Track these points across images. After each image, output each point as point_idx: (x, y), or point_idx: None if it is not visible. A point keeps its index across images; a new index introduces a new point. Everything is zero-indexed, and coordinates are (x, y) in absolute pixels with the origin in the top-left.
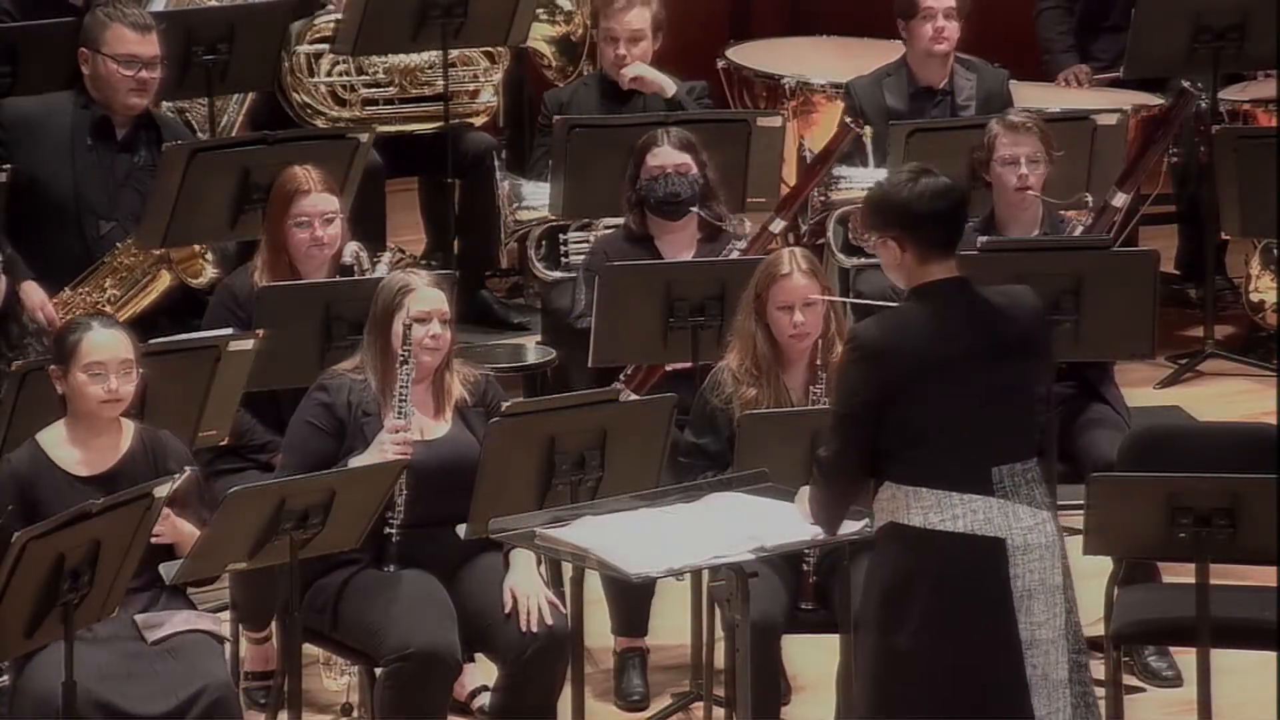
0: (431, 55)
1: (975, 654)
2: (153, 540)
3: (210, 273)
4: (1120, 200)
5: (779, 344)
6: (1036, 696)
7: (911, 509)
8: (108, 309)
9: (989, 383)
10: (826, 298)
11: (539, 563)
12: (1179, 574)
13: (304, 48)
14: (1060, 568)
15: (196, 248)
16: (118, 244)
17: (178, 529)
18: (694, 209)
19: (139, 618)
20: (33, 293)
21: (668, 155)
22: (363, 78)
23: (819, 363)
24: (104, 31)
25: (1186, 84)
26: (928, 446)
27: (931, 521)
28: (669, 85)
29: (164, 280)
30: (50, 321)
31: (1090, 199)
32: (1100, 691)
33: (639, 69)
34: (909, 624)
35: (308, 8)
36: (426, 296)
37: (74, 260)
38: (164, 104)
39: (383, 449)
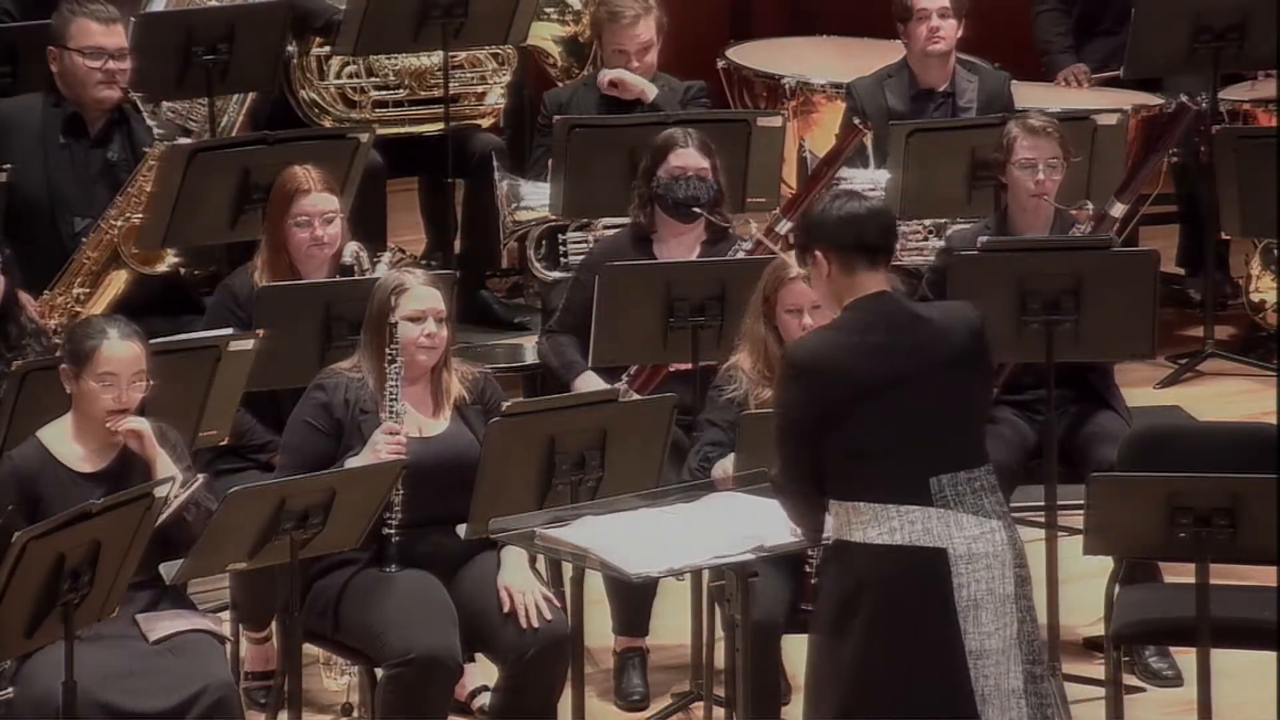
0: (441, 57)
1: (920, 666)
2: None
3: (170, 260)
4: (1119, 210)
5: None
6: (989, 707)
7: (853, 525)
8: (78, 309)
9: (923, 396)
10: None
11: (534, 561)
12: (1179, 574)
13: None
14: (1012, 576)
15: None
16: (83, 240)
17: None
18: (705, 213)
19: (140, 617)
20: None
21: (691, 158)
22: (373, 79)
23: None
24: (68, 26)
25: (1185, 97)
26: (863, 461)
27: (870, 536)
28: (650, 89)
29: (121, 276)
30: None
31: (1090, 206)
32: (1100, 691)
33: (618, 73)
34: (853, 636)
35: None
36: (420, 295)
37: (51, 258)
38: (164, 104)
39: (376, 449)
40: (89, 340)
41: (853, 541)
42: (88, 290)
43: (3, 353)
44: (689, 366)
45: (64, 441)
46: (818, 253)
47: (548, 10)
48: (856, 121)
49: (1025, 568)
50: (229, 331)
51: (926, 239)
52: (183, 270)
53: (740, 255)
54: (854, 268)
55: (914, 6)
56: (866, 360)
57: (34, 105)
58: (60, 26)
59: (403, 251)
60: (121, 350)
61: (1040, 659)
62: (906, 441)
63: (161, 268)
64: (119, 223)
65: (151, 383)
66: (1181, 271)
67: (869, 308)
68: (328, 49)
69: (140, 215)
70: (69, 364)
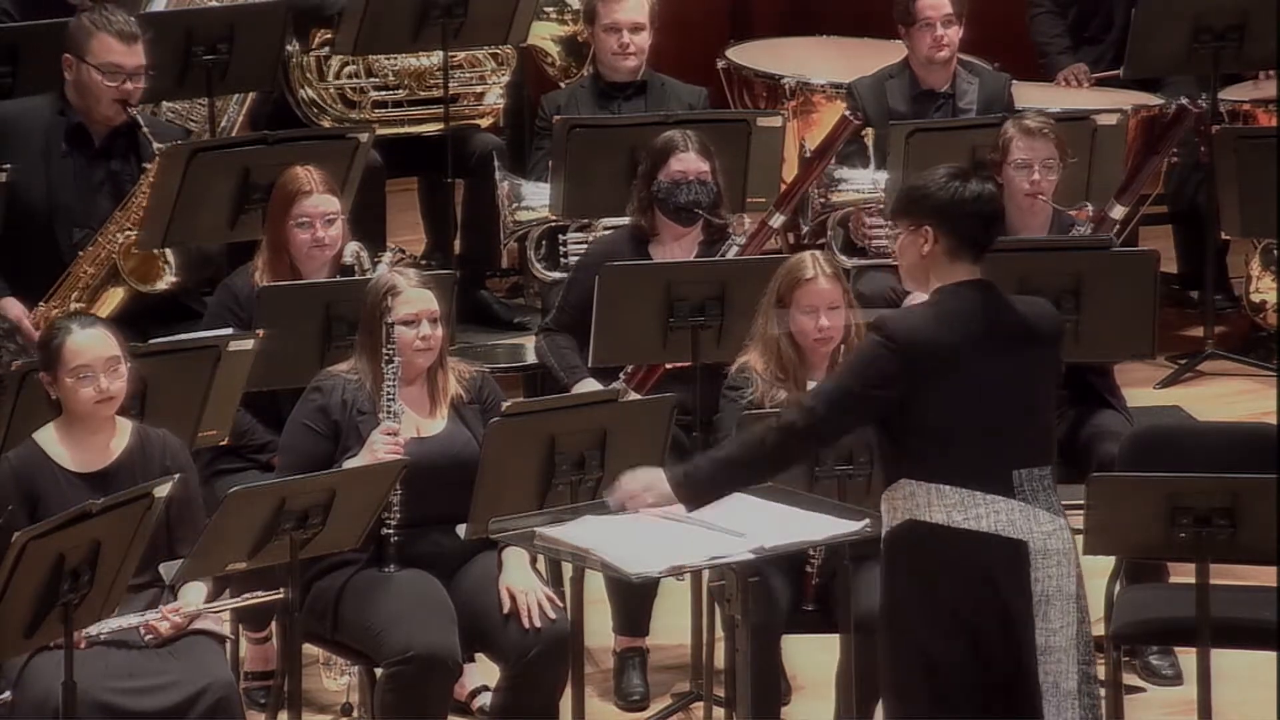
0: (441, 58)
1: (995, 656)
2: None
3: (169, 278)
4: (1119, 213)
5: (802, 347)
6: (1046, 705)
7: (934, 506)
8: None
9: (1012, 386)
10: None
11: (534, 561)
12: (1179, 574)
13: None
14: (1075, 575)
15: (154, 251)
16: (80, 252)
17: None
18: (706, 216)
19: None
20: (10, 307)
21: (691, 162)
22: (372, 80)
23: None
24: (89, 39)
25: (1186, 100)
26: (952, 444)
27: (955, 519)
28: None
29: (118, 294)
30: (28, 336)
31: (1090, 206)
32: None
33: None
34: (932, 622)
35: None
36: (412, 298)
37: (47, 267)
38: (164, 104)
39: (374, 450)
40: (54, 340)
41: (932, 522)
42: (84, 306)
43: None
44: (686, 364)
45: (58, 443)
46: (927, 227)
47: (546, 9)
48: (847, 113)
49: (1081, 567)
50: (229, 331)
51: None
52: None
53: (734, 250)
54: (959, 256)
55: (918, 14)
56: (963, 345)
57: (40, 110)
58: (80, 37)
59: (403, 251)
60: (87, 340)
61: (1091, 660)
62: (994, 430)
63: (161, 285)
64: (119, 238)
65: (131, 367)
66: (1175, 274)
67: (968, 295)
68: (327, 49)
69: (139, 231)
70: (44, 369)
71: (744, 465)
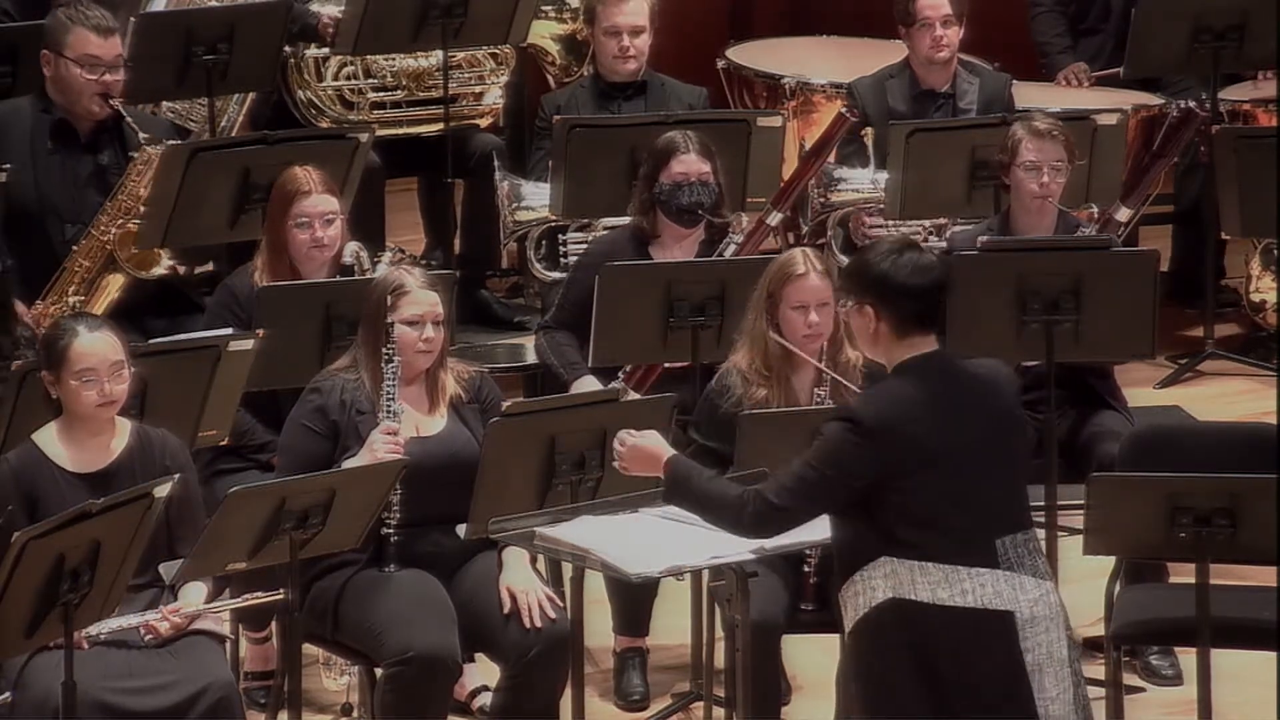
0: (439, 58)
1: None
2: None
3: (165, 263)
4: (1124, 215)
5: (790, 344)
6: None
7: (918, 584)
8: None
9: (985, 454)
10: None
11: (534, 561)
12: (1179, 574)
13: (310, 51)
14: (1065, 640)
15: None
16: (74, 248)
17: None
18: (708, 217)
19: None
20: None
21: (692, 163)
22: (370, 81)
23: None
24: (66, 34)
25: (1193, 103)
26: (932, 523)
27: (940, 597)
28: None
29: (117, 281)
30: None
31: (1096, 208)
32: (1100, 691)
33: None
34: (932, 701)
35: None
36: (419, 299)
37: (42, 265)
38: (164, 104)
39: (374, 449)
40: (60, 341)
41: (919, 601)
42: (83, 298)
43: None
44: (686, 364)
45: (57, 444)
46: (867, 306)
47: (545, 8)
48: (843, 110)
49: (1073, 630)
50: (229, 331)
51: (927, 239)
52: (180, 270)
53: (732, 248)
54: (907, 331)
55: (917, 15)
56: (933, 424)
57: (21, 109)
58: (57, 33)
59: (402, 251)
60: (93, 344)
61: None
62: (973, 503)
63: (158, 270)
64: (113, 229)
65: (134, 370)
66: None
67: (924, 368)
68: (326, 50)
69: (134, 221)
70: (47, 369)
71: (721, 511)
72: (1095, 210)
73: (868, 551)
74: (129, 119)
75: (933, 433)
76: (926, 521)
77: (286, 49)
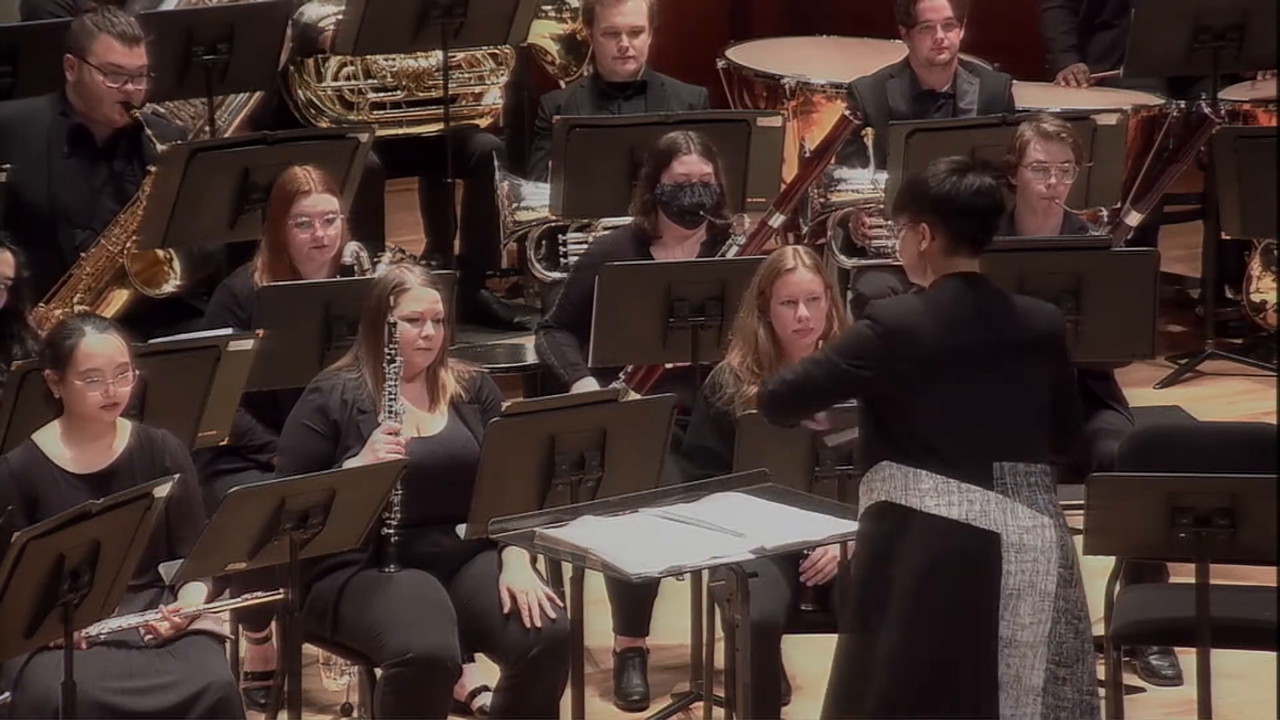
0: (439, 59)
1: (952, 647)
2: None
3: (174, 282)
4: (1134, 219)
5: (781, 340)
6: (1005, 696)
7: (909, 490)
8: None
9: (1000, 377)
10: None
11: (534, 561)
12: (1179, 574)
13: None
14: (1055, 575)
15: (161, 254)
16: (82, 254)
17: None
18: (710, 218)
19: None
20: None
21: (694, 164)
22: (370, 81)
23: None
24: (91, 41)
25: (1207, 108)
26: (933, 432)
27: (928, 505)
28: None
29: (122, 296)
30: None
31: (1105, 210)
32: (1100, 691)
33: None
34: (881, 606)
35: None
36: (419, 296)
37: (49, 268)
38: (164, 104)
39: (375, 449)
40: (67, 341)
41: (905, 505)
42: (87, 307)
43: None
44: (686, 364)
45: (58, 444)
46: (923, 224)
47: (545, 7)
48: (846, 112)
49: (1071, 570)
50: (229, 331)
51: None
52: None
53: (734, 249)
54: (956, 251)
55: (918, 17)
56: (949, 334)
57: (41, 110)
58: (82, 38)
59: (402, 251)
60: (100, 345)
61: (1067, 663)
62: (975, 420)
63: (166, 288)
64: (125, 242)
65: (137, 373)
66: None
67: (962, 287)
68: (325, 51)
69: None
70: (52, 368)
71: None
72: (1104, 212)
73: (875, 454)
74: (149, 130)
75: (942, 342)
76: (926, 431)
77: (287, 60)
